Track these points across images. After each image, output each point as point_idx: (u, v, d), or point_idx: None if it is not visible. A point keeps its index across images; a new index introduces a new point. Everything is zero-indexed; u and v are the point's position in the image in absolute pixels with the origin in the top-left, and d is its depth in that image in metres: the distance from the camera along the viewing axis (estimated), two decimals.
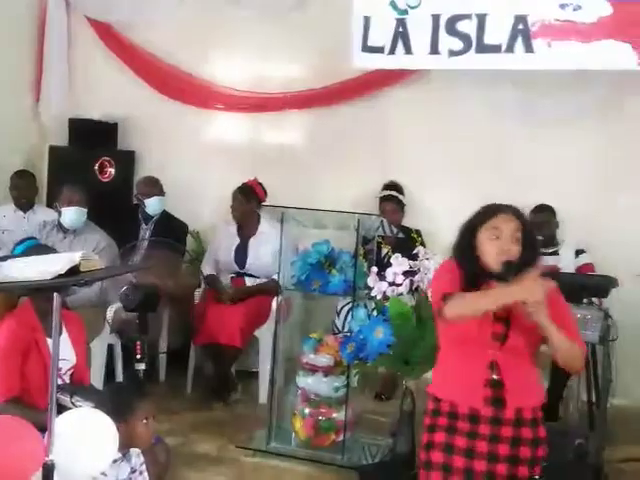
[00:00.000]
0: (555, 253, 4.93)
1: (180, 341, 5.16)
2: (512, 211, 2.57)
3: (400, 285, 3.69)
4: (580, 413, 4.43)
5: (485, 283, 2.52)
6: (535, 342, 2.51)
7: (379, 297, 3.76)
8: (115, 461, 2.82)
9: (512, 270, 2.45)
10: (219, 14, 5.70)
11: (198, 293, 5.28)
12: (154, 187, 5.27)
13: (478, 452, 2.46)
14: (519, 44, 4.70)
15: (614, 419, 4.11)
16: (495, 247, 2.50)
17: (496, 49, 4.74)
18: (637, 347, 4.76)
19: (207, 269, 5.18)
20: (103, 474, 2.78)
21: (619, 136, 5.08)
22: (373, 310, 3.83)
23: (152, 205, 5.23)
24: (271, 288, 4.84)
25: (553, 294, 2.48)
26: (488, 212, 2.58)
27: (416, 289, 3.69)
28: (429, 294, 2.65)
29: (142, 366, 3.52)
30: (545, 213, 4.94)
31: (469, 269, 2.53)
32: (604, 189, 5.12)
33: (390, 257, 3.84)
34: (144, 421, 2.90)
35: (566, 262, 4.85)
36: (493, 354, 2.48)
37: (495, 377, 2.46)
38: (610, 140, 5.10)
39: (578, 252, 4.91)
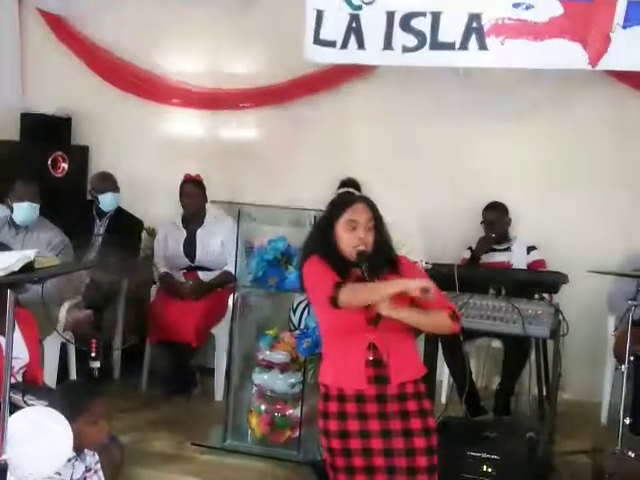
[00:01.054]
0: (507, 250, 5.02)
1: (135, 339, 5.12)
2: (364, 200, 2.75)
3: None
4: (531, 407, 4.53)
5: (350, 271, 2.67)
6: (406, 324, 2.67)
7: None
8: (69, 460, 2.80)
9: (365, 258, 2.63)
10: (174, 8, 5.65)
11: (153, 290, 5.25)
12: (108, 183, 5.22)
13: (372, 430, 2.61)
14: (473, 42, 4.74)
15: (564, 413, 4.19)
16: (352, 238, 2.66)
17: (450, 46, 4.78)
18: (587, 342, 4.87)
19: (160, 268, 5.16)
20: (57, 473, 2.76)
21: (570, 134, 5.17)
22: None
23: (106, 201, 5.18)
24: (227, 281, 4.85)
25: (412, 268, 2.79)
26: (343, 204, 2.72)
27: None
28: (307, 290, 2.75)
29: (97, 364, 3.50)
30: (497, 210, 5.02)
31: (334, 261, 2.67)
32: (555, 186, 5.21)
33: None
34: (95, 422, 2.88)
35: (518, 258, 4.94)
36: (370, 336, 2.64)
37: (373, 357, 2.62)
38: (561, 138, 5.18)
39: (529, 249, 4.99)
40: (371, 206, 2.74)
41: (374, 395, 2.62)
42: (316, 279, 2.69)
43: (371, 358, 2.62)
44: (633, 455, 3.88)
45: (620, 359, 4.16)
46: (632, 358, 3.96)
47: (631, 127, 5.09)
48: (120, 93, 5.90)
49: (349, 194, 2.84)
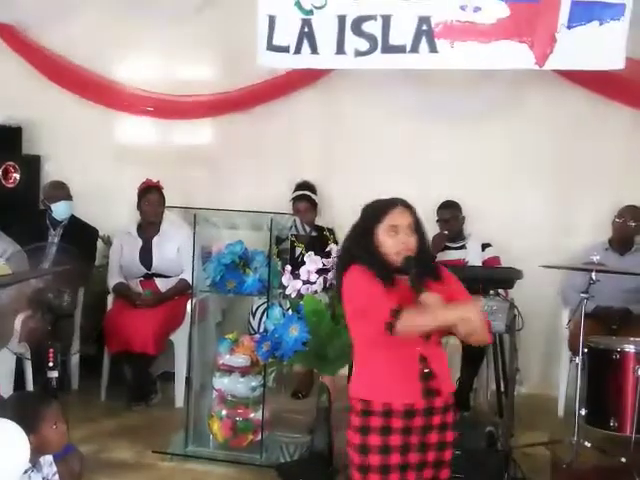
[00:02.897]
0: (462, 247, 5.09)
1: (93, 348, 5.07)
2: (401, 203, 2.65)
3: (314, 283, 3.73)
4: (490, 402, 4.60)
5: (394, 279, 2.56)
6: (443, 331, 2.60)
7: (294, 295, 3.79)
8: (26, 472, 2.75)
9: (412, 264, 2.53)
10: (127, 15, 5.62)
11: (110, 300, 5.20)
12: (61, 191, 5.17)
13: (412, 445, 2.52)
14: (423, 44, 4.81)
15: (522, 406, 4.26)
16: (395, 242, 2.56)
17: (401, 49, 4.84)
18: (542, 336, 4.96)
19: (114, 279, 5.11)
20: None
21: (521, 132, 5.27)
22: (288, 309, 3.87)
23: (59, 209, 5.13)
24: (184, 289, 4.83)
25: (452, 277, 2.66)
26: (381, 209, 2.62)
27: (330, 286, 3.73)
28: (346, 301, 2.60)
29: (55, 374, 3.45)
30: (451, 209, 5.10)
31: (379, 268, 2.55)
32: (508, 184, 5.31)
33: (304, 256, 3.88)
34: (53, 426, 2.85)
35: (473, 255, 5.02)
36: (419, 348, 2.53)
37: (427, 370, 2.53)
38: (512, 136, 5.29)
39: (484, 246, 5.07)
40: (410, 209, 2.64)
41: (423, 409, 2.52)
42: (362, 292, 2.53)
43: (426, 370, 2.53)
44: (589, 445, 3.97)
45: (574, 351, 4.25)
46: (585, 350, 4.06)
47: (580, 124, 5.21)
48: (71, 101, 5.85)
49: (389, 199, 2.68)
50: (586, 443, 3.96)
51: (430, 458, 2.54)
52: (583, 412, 4.02)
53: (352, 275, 2.58)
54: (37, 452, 2.79)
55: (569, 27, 4.54)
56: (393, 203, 2.64)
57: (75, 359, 4.96)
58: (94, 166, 5.86)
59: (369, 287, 2.51)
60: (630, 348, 4.00)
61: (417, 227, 2.62)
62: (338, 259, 2.79)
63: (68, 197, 5.16)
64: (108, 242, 5.50)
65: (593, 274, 4.02)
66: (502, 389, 4.37)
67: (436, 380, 2.54)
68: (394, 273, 2.56)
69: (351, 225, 2.71)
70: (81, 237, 5.09)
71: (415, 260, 2.54)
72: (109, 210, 5.72)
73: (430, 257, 2.66)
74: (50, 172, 5.79)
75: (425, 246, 2.64)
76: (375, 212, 2.63)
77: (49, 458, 2.92)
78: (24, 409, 2.83)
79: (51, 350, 3.44)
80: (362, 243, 2.61)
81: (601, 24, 4.51)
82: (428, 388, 2.52)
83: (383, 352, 2.53)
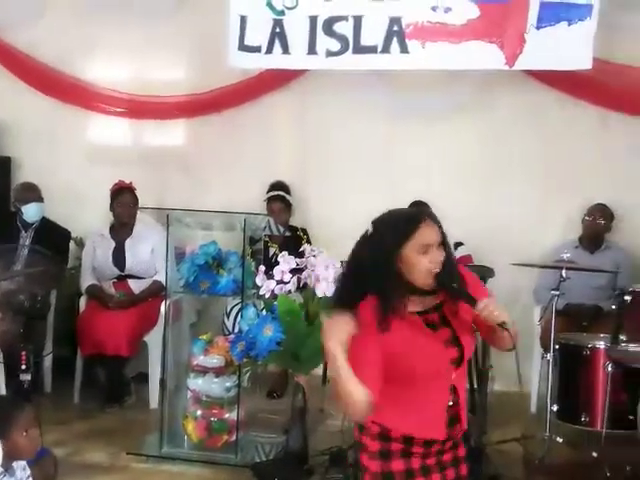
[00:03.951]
0: None
1: (66, 350, 5.04)
2: (429, 216, 2.29)
3: (288, 283, 3.74)
4: None
5: (403, 301, 2.22)
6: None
7: (268, 295, 3.79)
8: None
9: (451, 280, 2.22)
10: (100, 15, 5.58)
11: (83, 302, 5.17)
12: (32, 193, 5.12)
13: (431, 465, 2.30)
14: (394, 45, 4.84)
15: (495, 403, 4.30)
16: (426, 261, 2.20)
17: (372, 50, 4.87)
18: None
19: (87, 281, 5.09)
20: None
21: (491, 132, 5.32)
22: (262, 309, 3.87)
23: (30, 212, 5.08)
24: (158, 291, 4.82)
25: (477, 283, 2.37)
26: (410, 225, 2.22)
27: (304, 286, 3.74)
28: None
29: (27, 377, 3.44)
30: (421, 208, 5.13)
31: (396, 296, 2.20)
32: (479, 184, 5.35)
33: (278, 256, 3.88)
34: (24, 433, 2.83)
35: None
36: (453, 379, 2.27)
37: (453, 402, 2.27)
38: (483, 136, 5.34)
39: (456, 245, 5.09)
40: (433, 218, 2.27)
41: (443, 439, 2.28)
42: (357, 353, 2.13)
43: (451, 403, 2.25)
44: (561, 440, 4.02)
45: (546, 348, 4.30)
46: (557, 346, 4.11)
47: (550, 124, 5.27)
48: (43, 101, 5.81)
49: (411, 212, 2.39)
50: (558, 438, 4.01)
51: (450, 476, 2.33)
52: (555, 408, 4.07)
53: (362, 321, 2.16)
54: (9, 457, 2.77)
55: (538, 27, 4.60)
56: (420, 217, 2.25)
57: (48, 361, 4.93)
58: (66, 167, 5.81)
59: (364, 354, 2.16)
60: (600, 344, 4.06)
61: (444, 241, 2.27)
62: (344, 287, 2.35)
63: (39, 199, 5.12)
64: (80, 244, 5.47)
65: (564, 272, 4.07)
66: (475, 386, 4.42)
67: (459, 408, 2.29)
68: (408, 294, 2.23)
69: (358, 244, 2.29)
70: (53, 239, 5.05)
71: (446, 275, 2.22)
72: (81, 212, 5.68)
73: (457, 271, 2.29)
74: (21, 174, 5.73)
75: (453, 260, 2.31)
76: (402, 228, 2.22)
77: (22, 462, 2.90)
78: None
79: (23, 352, 3.43)
80: (385, 267, 2.20)
81: (569, 24, 4.58)
82: (451, 417, 2.27)
83: (409, 385, 2.23)
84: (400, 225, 2.24)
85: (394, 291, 2.20)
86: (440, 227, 2.27)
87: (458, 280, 2.25)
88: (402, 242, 2.20)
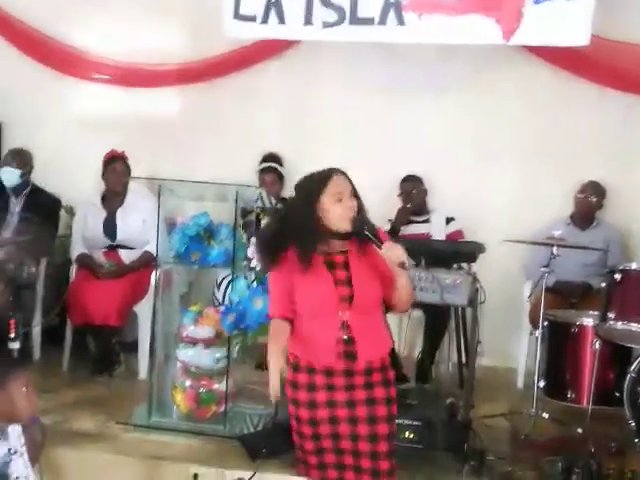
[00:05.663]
0: (426, 221, 5.13)
1: (55, 319, 5.03)
2: (339, 171, 2.73)
3: None
4: (451, 374, 4.67)
5: (325, 244, 2.68)
6: (378, 296, 2.72)
7: (258, 268, 3.79)
8: None
9: (363, 224, 2.65)
10: None
11: (73, 271, 5.16)
12: (11, 158, 5.07)
13: (338, 401, 2.69)
14: (391, 17, 4.78)
15: (482, 378, 4.33)
16: (341, 208, 2.65)
17: (369, 21, 4.81)
18: (503, 309, 5.03)
19: (77, 249, 5.06)
20: None
21: (486, 107, 5.30)
22: (253, 281, 3.87)
23: (4, 175, 5.03)
24: (148, 262, 4.80)
25: (385, 236, 2.74)
26: (323, 178, 2.69)
27: None
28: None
29: (16, 345, 3.41)
30: (413, 182, 5.14)
31: (313, 239, 2.65)
32: (472, 159, 5.34)
33: None
34: (23, 388, 2.82)
35: (437, 229, 5.06)
36: (343, 315, 2.66)
37: (346, 336, 2.66)
38: (477, 111, 5.31)
39: (448, 220, 5.11)
40: (346, 175, 2.73)
41: (342, 370, 2.68)
42: (272, 285, 2.75)
43: (345, 337, 2.66)
44: (547, 416, 4.06)
45: (535, 324, 4.32)
46: (546, 323, 4.13)
47: (546, 100, 5.25)
48: (35, 68, 5.74)
49: (323, 169, 2.76)
50: (544, 414, 4.05)
51: (360, 413, 2.68)
52: (542, 384, 4.11)
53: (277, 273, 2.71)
54: (5, 415, 2.76)
55: (536, 2, 4.56)
56: (332, 171, 2.71)
57: (37, 330, 4.92)
58: (56, 134, 5.77)
59: (276, 284, 2.72)
60: (589, 322, 4.09)
61: (355, 192, 2.71)
62: (264, 241, 2.83)
63: (14, 165, 5.04)
64: (71, 212, 5.44)
65: (554, 249, 4.08)
66: (463, 361, 4.45)
67: (355, 346, 2.66)
68: (327, 238, 2.67)
69: (285, 205, 2.83)
70: (43, 207, 5.02)
71: (360, 220, 2.66)
72: (72, 180, 5.63)
73: (368, 219, 2.72)
74: (11, 140, 5.68)
75: (364, 209, 2.72)
76: (317, 182, 2.69)
77: (18, 429, 2.89)
78: None
79: (12, 321, 3.41)
80: (301, 218, 2.66)
81: (568, 0, 4.53)
82: (346, 351, 2.66)
83: (308, 318, 2.69)
84: (315, 179, 2.71)
85: (310, 235, 2.63)
86: (350, 181, 2.70)
87: (372, 228, 2.66)
88: (319, 191, 2.65)
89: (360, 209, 2.69)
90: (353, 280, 2.67)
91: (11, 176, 5.04)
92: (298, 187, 2.76)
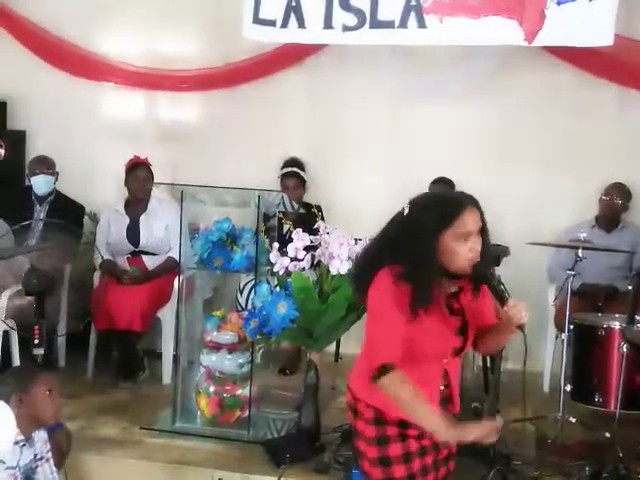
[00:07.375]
0: None
1: (80, 325, 5.06)
2: (472, 202, 2.22)
3: (302, 260, 3.73)
4: (476, 378, 4.63)
5: (440, 290, 2.22)
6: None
7: (281, 272, 3.79)
8: (17, 443, 2.73)
9: (486, 270, 2.23)
10: None
11: (97, 276, 5.19)
12: (40, 165, 5.11)
13: (427, 447, 2.33)
14: (412, 20, 4.76)
15: (507, 382, 4.28)
16: (467, 249, 2.17)
17: (389, 25, 4.79)
18: (528, 313, 4.97)
19: (101, 255, 5.08)
20: (1, 462, 2.71)
21: (508, 110, 5.27)
22: (276, 286, 3.86)
23: (37, 184, 5.08)
24: (171, 267, 4.82)
25: (486, 293, 2.32)
26: (452, 210, 2.17)
27: (318, 263, 3.73)
28: (369, 304, 2.28)
29: (40, 351, 3.45)
30: (444, 185, 5.10)
31: (431, 281, 2.16)
32: (496, 162, 5.31)
33: (292, 233, 3.86)
34: (47, 392, 2.83)
35: None
36: (446, 363, 2.32)
37: (445, 383, 2.33)
38: (499, 114, 5.28)
39: None
40: (479, 208, 2.22)
41: None
42: (381, 316, 2.18)
43: (442, 388, 2.31)
44: (574, 420, 4.01)
45: (560, 328, 4.28)
46: (571, 326, 4.08)
47: (569, 102, 5.21)
48: (57, 75, 5.78)
49: (455, 196, 2.33)
50: (571, 418, 4.00)
51: (442, 455, 2.39)
52: (568, 388, 4.06)
53: (383, 286, 2.17)
54: (30, 420, 2.78)
55: (558, 3, 4.51)
56: (463, 203, 2.19)
57: (62, 337, 4.95)
58: (79, 141, 5.82)
59: (390, 315, 2.15)
60: (615, 325, 4.04)
61: (484, 228, 2.23)
62: (367, 256, 2.34)
63: (48, 172, 5.09)
64: (94, 219, 5.47)
65: (580, 251, 4.03)
66: (488, 365, 4.41)
67: (451, 390, 2.34)
68: (444, 278, 2.22)
69: (392, 223, 2.24)
70: (67, 213, 5.04)
71: (483, 264, 2.20)
72: (95, 187, 5.68)
73: (490, 261, 2.29)
74: (36, 147, 5.73)
75: (489, 249, 2.26)
76: (444, 216, 2.17)
77: (43, 435, 2.92)
78: (17, 374, 2.85)
79: (36, 327, 3.44)
80: (425, 251, 2.15)
81: (590, 0, 4.49)
82: (443, 397, 2.33)
83: (406, 366, 2.18)
84: (442, 210, 2.17)
85: (433, 281, 2.14)
86: (482, 213, 2.20)
87: (498, 281, 2.24)
88: (443, 228, 2.14)
89: (485, 246, 2.21)
90: (469, 331, 2.30)
91: (45, 183, 5.08)
92: (416, 214, 2.20)
